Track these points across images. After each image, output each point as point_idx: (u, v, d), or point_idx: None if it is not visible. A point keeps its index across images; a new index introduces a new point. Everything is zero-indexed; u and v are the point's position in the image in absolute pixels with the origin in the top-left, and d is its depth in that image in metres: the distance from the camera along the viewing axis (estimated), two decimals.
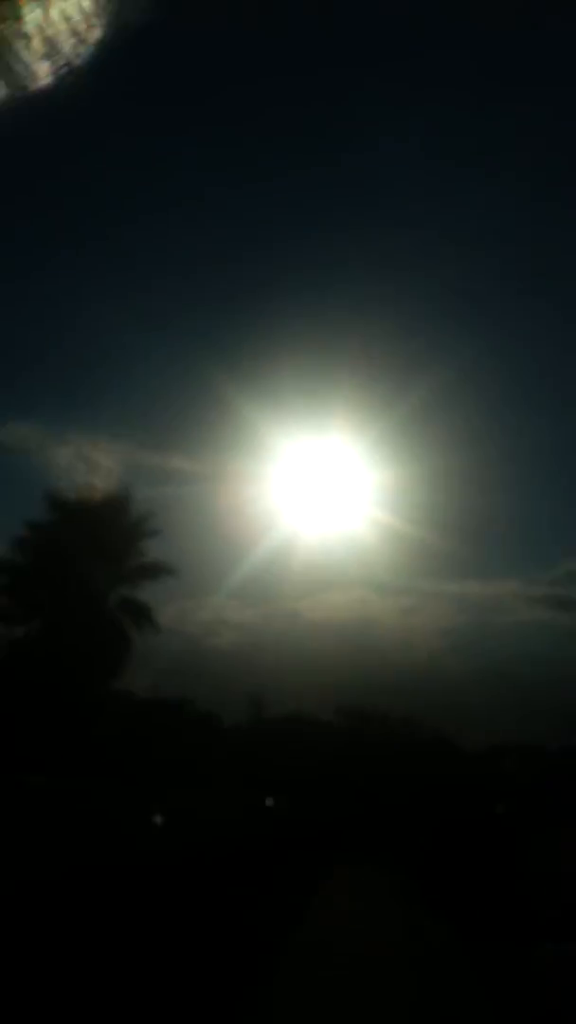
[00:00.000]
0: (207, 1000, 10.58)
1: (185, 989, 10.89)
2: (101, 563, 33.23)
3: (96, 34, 1.45)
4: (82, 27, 1.41)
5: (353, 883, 26.20)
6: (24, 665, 32.55)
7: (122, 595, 33.51)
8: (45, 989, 9.75)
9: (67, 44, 1.45)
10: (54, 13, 1.43)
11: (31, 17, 1.42)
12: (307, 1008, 10.89)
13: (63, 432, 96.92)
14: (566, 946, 7.63)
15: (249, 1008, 10.43)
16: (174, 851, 20.03)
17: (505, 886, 22.67)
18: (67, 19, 1.46)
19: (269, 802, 35.79)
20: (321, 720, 69.92)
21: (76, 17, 1.40)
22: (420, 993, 11.80)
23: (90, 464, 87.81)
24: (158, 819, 20.92)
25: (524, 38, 51.65)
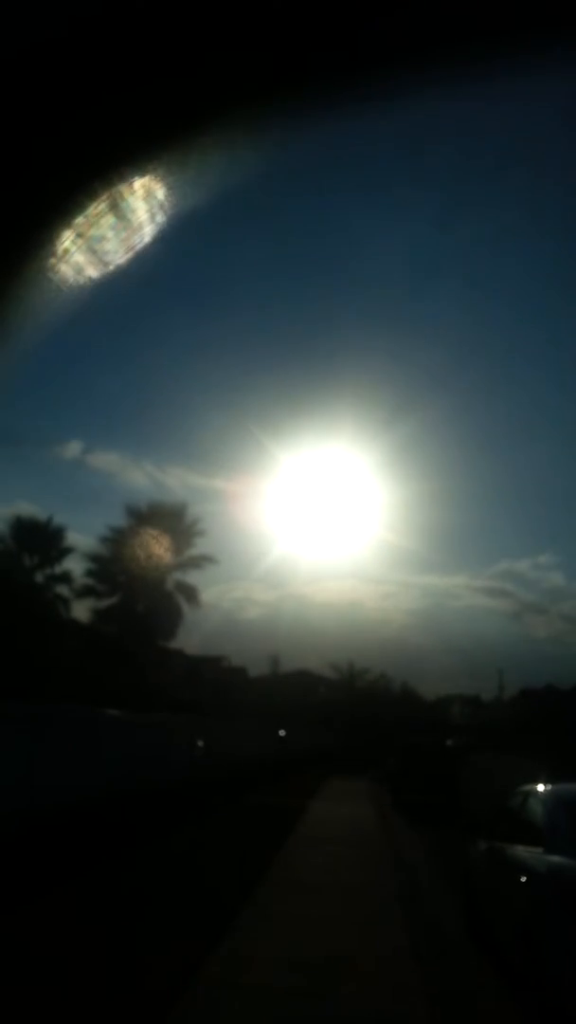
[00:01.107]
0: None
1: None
2: (163, 556, 33.43)
3: (164, 219, 1.49)
4: (156, 212, 1.45)
5: (341, 789, 26.15)
6: (106, 627, 32.71)
7: (176, 579, 33.73)
8: None
9: (148, 225, 1.50)
10: (139, 201, 1.48)
11: (125, 206, 1.47)
12: (318, 844, 13.35)
13: (138, 459, 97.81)
14: (488, 842, 7.65)
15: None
16: (213, 766, 20.09)
17: (450, 797, 22.66)
18: (148, 205, 1.49)
19: (282, 733, 35.72)
20: (321, 674, 69.76)
21: (155, 203, 1.44)
22: (383, 843, 14.35)
23: (156, 482, 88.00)
24: (200, 743, 20.92)
25: None
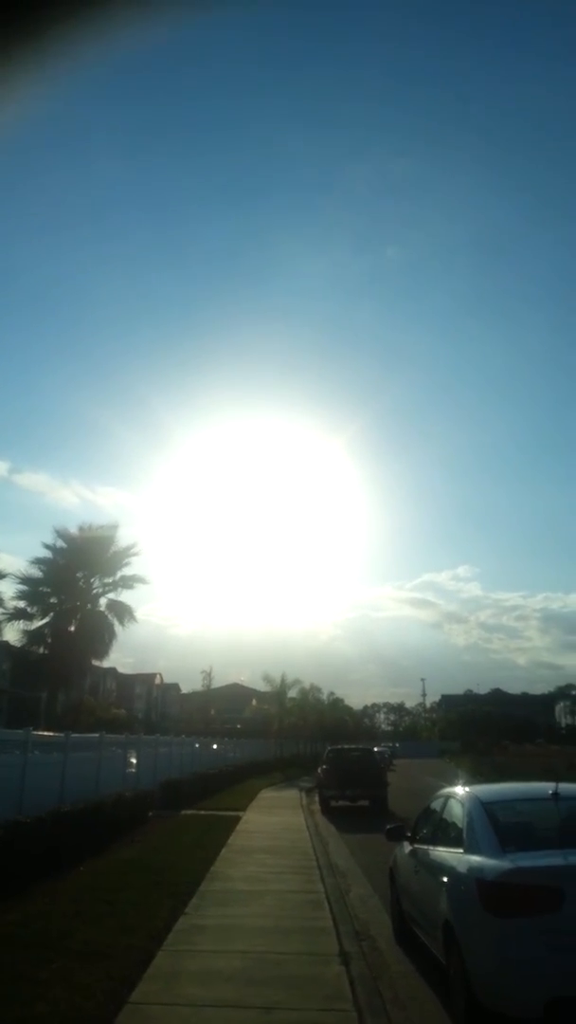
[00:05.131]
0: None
1: None
2: (95, 577, 32.65)
3: None
4: None
5: (273, 799, 25.97)
6: (37, 649, 31.76)
7: (109, 598, 32.96)
8: None
9: None
10: None
11: None
12: (250, 854, 13.16)
13: (67, 479, 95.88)
14: (413, 845, 7.68)
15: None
16: (147, 781, 19.70)
17: (377, 802, 22.76)
18: None
19: (215, 747, 35.26)
20: (253, 687, 69.33)
21: None
22: (314, 850, 13.99)
23: (87, 502, 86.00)
24: (133, 759, 20.46)
25: None
